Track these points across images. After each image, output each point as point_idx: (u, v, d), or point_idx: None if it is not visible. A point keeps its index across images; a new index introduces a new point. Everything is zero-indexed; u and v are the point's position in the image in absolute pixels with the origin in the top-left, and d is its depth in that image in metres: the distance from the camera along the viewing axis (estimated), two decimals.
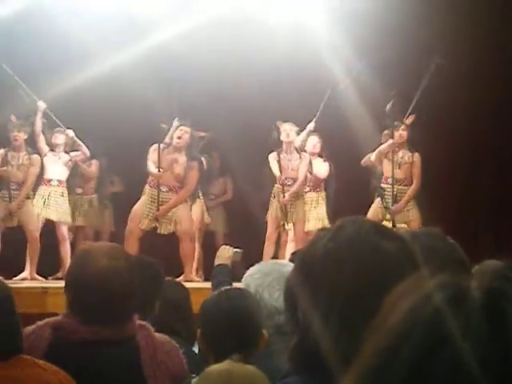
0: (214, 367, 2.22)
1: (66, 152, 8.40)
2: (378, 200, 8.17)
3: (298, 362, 1.35)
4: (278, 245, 8.31)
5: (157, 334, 2.53)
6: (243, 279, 2.74)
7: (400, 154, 8.15)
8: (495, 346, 0.49)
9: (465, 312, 0.50)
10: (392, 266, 1.27)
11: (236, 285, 2.95)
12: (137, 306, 2.47)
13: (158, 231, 7.92)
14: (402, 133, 8.11)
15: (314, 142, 8.50)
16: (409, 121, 8.17)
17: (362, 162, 8.39)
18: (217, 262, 4.03)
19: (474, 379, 0.48)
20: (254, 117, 8.58)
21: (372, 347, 0.53)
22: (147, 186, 8.02)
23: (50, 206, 8.27)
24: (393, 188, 8.09)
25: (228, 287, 2.80)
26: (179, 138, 7.87)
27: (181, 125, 7.94)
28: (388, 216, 8.07)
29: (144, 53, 8.08)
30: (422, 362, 0.50)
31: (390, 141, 8.09)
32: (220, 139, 8.79)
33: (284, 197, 8.01)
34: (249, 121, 8.85)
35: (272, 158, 8.11)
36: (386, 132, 8.30)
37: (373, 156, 8.17)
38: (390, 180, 8.12)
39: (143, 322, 2.52)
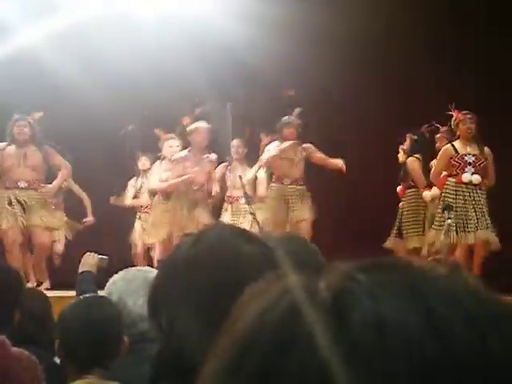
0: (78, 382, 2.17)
1: None
2: None
3: (162, 368, 1.35)
4: None
5: (14, 349, 2.42)
6: (106, 287, 2.70)
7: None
8: (340, 346, 0.50)
9: (312, 313, 0.52)
10: (253, 270, 1.29)
11: (101, 293, 2.91)
12: None
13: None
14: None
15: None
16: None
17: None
18: (81, 269, 3.95)
19: (322, 379, 0.50)
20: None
21: (221, 349, 0.54)
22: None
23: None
24: None
25: (87, 295, 2.75)
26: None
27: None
28: None
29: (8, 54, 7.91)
30: (271, 363, 0.51)
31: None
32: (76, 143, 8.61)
33: None
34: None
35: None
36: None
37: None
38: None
39: None
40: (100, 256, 4.03)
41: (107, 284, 2.71)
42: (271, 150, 7.92)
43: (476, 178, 7.47)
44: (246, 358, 0.52)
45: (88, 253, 4.11)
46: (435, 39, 9.09)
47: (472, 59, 8.89)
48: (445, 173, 7.60)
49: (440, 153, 7.69)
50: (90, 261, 3.97)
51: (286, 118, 8.03)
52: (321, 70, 8.31)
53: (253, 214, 7.27)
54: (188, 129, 8.02)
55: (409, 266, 0.57)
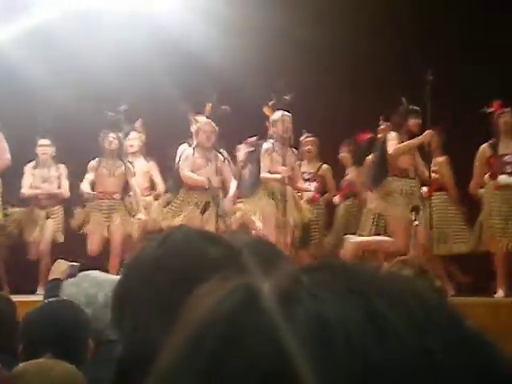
0: (31, 363, 2.14)
1: None
2: None
3: (125, 369, 1.35)
4: None
5: None
6: (69, 290, 2.68)
7: None
8: (283, 343, 0.51)
9: (255, 314, 0.52)
10: (217, 272, 1.29)
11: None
12: None
13: None
14: None
15: None
16: None
17: None
18: (51, 276, 3.91)
19: (265, 379, 0.50)
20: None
21: (172, 345, 0.55)
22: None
23: None
24: None
25: (51, 299, 2.72)
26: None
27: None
28: None
29: None
30: (219, 359, 0.52)
31: None
32: None
33: None
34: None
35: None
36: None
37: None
38: None
39: None
40: (71, 263, 3.98)
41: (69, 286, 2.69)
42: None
43: None
44: (194, 354, 0.53)
45: (59, 260, 4.08)
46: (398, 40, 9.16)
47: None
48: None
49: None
50: (59, 268, 3.94)
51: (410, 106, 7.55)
52: (285, 72, 8.32)
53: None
54: (272, 119, 7.72)
55: (354, 268, 0.57)
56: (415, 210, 7.03)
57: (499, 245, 7.41)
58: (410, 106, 7.47)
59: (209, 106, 7.71)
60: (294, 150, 7.94)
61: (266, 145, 7.64)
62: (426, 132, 7.38)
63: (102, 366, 2.28)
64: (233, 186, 7.66)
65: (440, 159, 7.91)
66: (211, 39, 8.37)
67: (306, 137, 8.72)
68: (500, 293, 7.50)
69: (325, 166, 8.76)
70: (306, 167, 8.64)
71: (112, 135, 8.10)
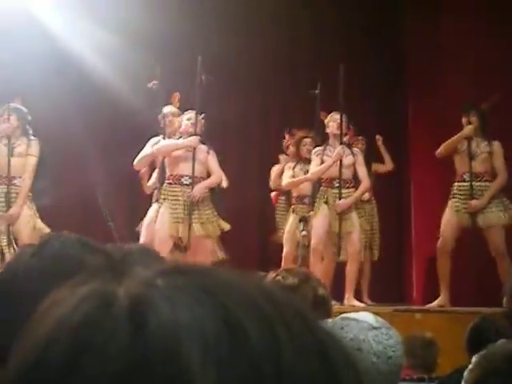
0: None
1: None
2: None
3: None
4: None
5: None
6: None
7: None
8: (136, 351, 0.51)
9: (109, 319, 0.52)
10: None
11: None
12: None
13: None
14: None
15: None
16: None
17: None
18: None
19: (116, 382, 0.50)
20: None
21: (18, 356, 0.54)
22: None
23: None
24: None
25: None
26: None
27: None
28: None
29: None
30: (65, 373, 0.51)
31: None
32: None
33: None
34: None
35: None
36: None
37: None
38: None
39: None
40: None
41: None
42: None
43: None
44: (40, 368, 0.52)
45: None
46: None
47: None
48: None
49: None
50: None
51: None
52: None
53: None
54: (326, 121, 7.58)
55: (207, 271, 0.58)
56: (303, 220, 7.11)
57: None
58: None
59: (176, 95, 7.47)
60: None
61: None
62: None
63: None
64: (213, 178, 7.16)
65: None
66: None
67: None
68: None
69: None
70: None
71: None
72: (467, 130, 7.40)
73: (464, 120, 7.44)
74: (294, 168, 7.92)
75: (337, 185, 7.44)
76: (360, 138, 8.24)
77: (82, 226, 7.65)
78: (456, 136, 7.39)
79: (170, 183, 7.07)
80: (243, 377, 0.51)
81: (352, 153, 7.52)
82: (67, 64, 8.58)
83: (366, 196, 8.05)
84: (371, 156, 8.31)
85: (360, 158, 7.53)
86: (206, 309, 0.53)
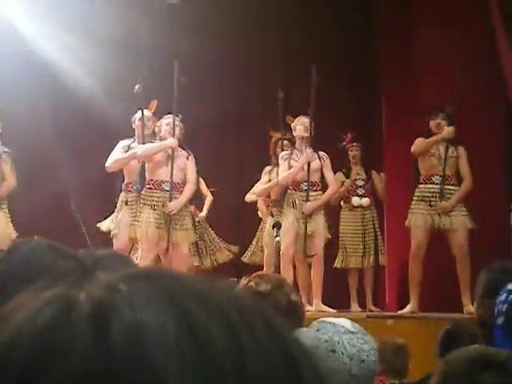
0: None
1: None
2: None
3: None
4: None
5: None
6: None
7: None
8: (99, 355, 0.51)
9: (71, 324, 0.52)
10: None
11: None
12: None
13: None
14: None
15: None
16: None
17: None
18: None
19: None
20: None
21: None
22: None
23: None
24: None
25: None
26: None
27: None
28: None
29: None
30: (26, 380, 0.51)
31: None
32: None
33: None
34: None
35: None
36: None
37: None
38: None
39: None
40: None
41: None
42: None
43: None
44: (3, 373, 0.51)
45: None
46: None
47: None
48: None
49: None
50: None
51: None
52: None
53: None
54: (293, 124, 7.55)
55: (171, 276, 0.57)
56: (276, 226, 7.11)
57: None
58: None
59: (153, 103, 7.48)
60: None
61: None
62: None
63: None
64: (187, 191, 7.16)
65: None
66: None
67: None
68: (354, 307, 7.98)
69: None
70: None
71: None
72: (447, 132, 7.48)
73: (432, 123, 7.52)
74: (270, 172, 7.92)
75: (305, 188, 7.45)
76: (355, 144, 8.40)
77: (54, 231, 7.59)
78: (434, 137, 7.46)
79: (150, 188, 7.07)
80: (206, 381, 0.51)
81: (319, 157, 7.52)
82: (41, 68, 8.53)
83: (367, 202, 8.17)
84: (366, 160, 8.49)
85: (327, 163, 7.56)
86: (169, 313, 0.53)
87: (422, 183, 7.52)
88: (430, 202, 7.44)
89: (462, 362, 1.79)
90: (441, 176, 7.44)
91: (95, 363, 0.51)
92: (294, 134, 7.56)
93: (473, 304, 4.22)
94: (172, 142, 7.06)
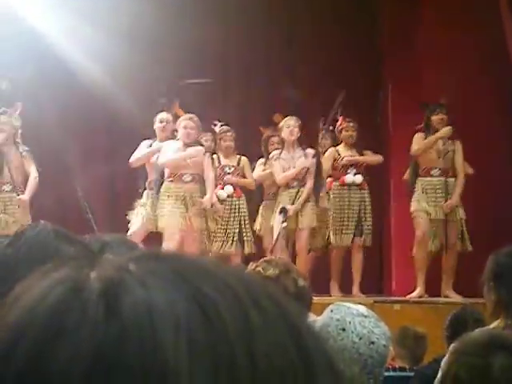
0: None
1: None
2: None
3: None
4: None
5: None
6: None
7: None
8: (110, 333, 0.51)
9: (82, 302, 0.52)
10: None
11: None
12: None
13: None
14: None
15: None
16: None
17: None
18: None
19: (87, 374, 0.50)
20: None
21: None
22: None
23: None
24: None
25: None
26: None
27: None
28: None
29: None
30: (39, 358, 0.51)
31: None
32: None
33: None
34: None
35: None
36: None
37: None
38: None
39: None
40: None
41: None
42: None
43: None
44: (14, 354, 0.52)
45: None
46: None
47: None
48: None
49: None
50: None
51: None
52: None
53: None
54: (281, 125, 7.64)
55: (181, 257, 0.58)
56: (283, 211, 7.12)
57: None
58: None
59: (176, 104, 7.66)
60: None
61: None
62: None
63: None
64: (210, 184, 7.39)
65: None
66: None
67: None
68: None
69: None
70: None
71: None
72: (445, 132, 7.68)
73: (435, 119, 7.69)
74: (265, 164, 7.93)
75: (293, 184, 7.61)
76: (351, 124, 8.01)
77: (60, 219, 7.64)
78: (433, 137, 7.68)
79: (171, 181, 7.29)
80: (216, 358, 0.52)
81: (305, 155, 7.63)
82: (56, 65, 8.51)
83: (359, 178, 7.98)
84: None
85: (313, 161, 7.67)
86: (179, 292, 0.53)
87: (422, 176, 7.71)
88: (434, 193, 7.63)
89: (474, 343, 1.83)
90: (440, 169, 7.65)
91: (106, 341, 0.51)
92: (281, 134, 7.63)
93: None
94: (197, 152, 7.28)
